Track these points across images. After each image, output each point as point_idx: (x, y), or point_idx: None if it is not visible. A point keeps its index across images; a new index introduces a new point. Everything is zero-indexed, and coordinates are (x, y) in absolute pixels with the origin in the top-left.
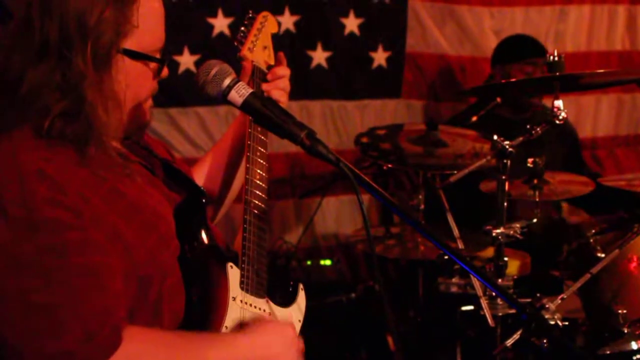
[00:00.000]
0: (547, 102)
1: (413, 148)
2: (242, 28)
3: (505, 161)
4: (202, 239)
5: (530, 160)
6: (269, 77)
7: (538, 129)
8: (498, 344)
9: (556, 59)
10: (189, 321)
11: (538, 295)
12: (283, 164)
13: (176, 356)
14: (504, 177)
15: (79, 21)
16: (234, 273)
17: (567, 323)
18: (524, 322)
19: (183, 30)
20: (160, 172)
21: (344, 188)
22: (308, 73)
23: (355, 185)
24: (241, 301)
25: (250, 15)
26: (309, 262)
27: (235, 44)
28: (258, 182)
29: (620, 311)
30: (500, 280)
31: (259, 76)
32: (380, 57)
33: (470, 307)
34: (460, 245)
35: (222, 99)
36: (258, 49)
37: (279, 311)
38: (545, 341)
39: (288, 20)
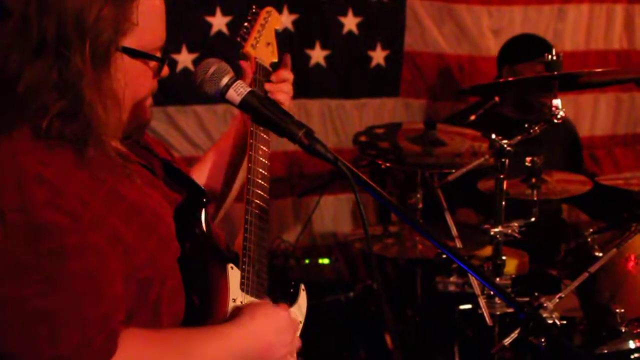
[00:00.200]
0: (545, 101)
1: (411, 147)
2: (245, 24)
3: (503, 160)
4: (202, 239)
5: (528, 159)
6: (273, 78)
7: (536, 128)
8: (496, 342)
9: (554, 58)
10: (189, 323)
11: (536, 294)
12: (281, 162)
13: (172, 356)
14: (502, 176)
15: (76, 19)
16: (234, 274)
17: (565, 322)
18: (522, 321)
19: (181, 28)
20: (161, 172)
21: (342, 187)
22: (306, 72)
23: (353, 184)
24: (241, 303)
25: (254, 10)
26: (307, 261)
27: (238, 39)
28: (260, 181)
29: (617, 310)
30: (498, 279)
31: (261, 73)
32: (378, 56)
33: (468, 306)
34: (459, 244)
35: (220, 97)
36: (261, 46)
37: None
38: (543, 340)
39: (287, 19)
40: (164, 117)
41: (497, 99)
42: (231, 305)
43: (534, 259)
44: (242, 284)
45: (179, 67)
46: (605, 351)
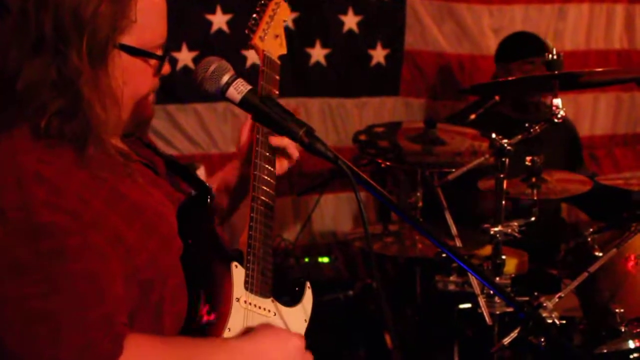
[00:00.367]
0: (546, 101)
1: (411, 146)
2: (254, 15)
3: (503, 159)
4: (206, 237)
5: (528, 158)
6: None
7: (537, 127)
8: (495, 342)
9: (555, 57)
10: (192, 323)
11: (536, 293)
12: None
13: None
14: (502, 176)
15: (74, 15)
16: (238, 273)
17: (564, 322)
18: (522, 320)
19: (181, 26)
20: (164, 170)
21: (342, 185)
22: (306, 70)
23: (353, 183)
24: (245, 302)
25: (263, 1)
26: (306, 260)
27: (246, 32)
28: (266, 177)
29: (617, 310)
30: (497, 278)
31: (269, 67)
32: (379, 54)
33: (468, 305)
34: (458, 243)
35: (221, 95)
36: (269, 38)
37: (285, 311)
38: (542, 340)
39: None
40: (164, 115)
41: (497, 98)
42: (235, 304)
43: (534, 258)
44: (246, 282)
45: (179, 65)
46: (605, 351)
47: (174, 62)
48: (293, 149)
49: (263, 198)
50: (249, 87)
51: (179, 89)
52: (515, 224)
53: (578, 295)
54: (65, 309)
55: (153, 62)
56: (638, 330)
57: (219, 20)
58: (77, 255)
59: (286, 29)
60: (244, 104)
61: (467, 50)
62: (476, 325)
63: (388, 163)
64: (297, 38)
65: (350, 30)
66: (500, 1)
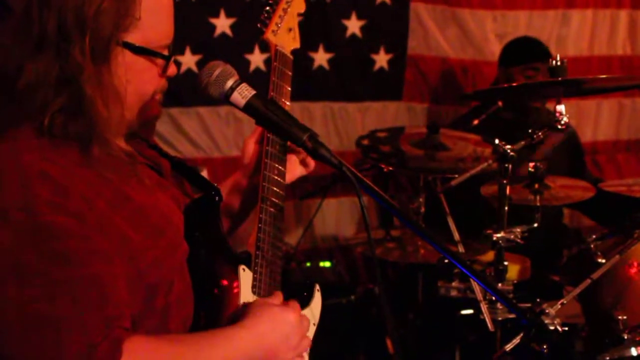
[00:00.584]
0: (549, 106)
1: (414, 151)
2: (267, 8)
3: (506, 165)
4: (213, 239)
5: (531, 164)
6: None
7: (540, 133)
8: (497, 348)
9: (559, 63)
10: (198, 327)
11: (538, 300)
12: None
13: None
14: (505, 181)
15: (77, 12)
16: (246, 276)
17: (567, 328)
18: (524, 327)
19: (185, 30)
20: (169, 172)
21: (344, 190)
22: (309, 74)
23: (357, 189)
24: None
25: None
26: (308, 264)
27: (259, 25)
28: (276, 177)
29: (620, 317)
30: (500, 284)
31: (281, 62)
32: (381, 59)
33: (470, 311)
34: (461, 249)
35: (225, 100)
36: (282, 32)
37: None
38: (545, 346)
39: None
40: (166, 118)
41: (500, 103)
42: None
43: (536, 264)
44: (254, 286)
45: (183, 68)
46: (608, 358)
47: (177, 65)
48: (311, 159)
49: (273, 199)
50: (253, 91)
51: (182, 92)
52: (518, 230)
53: (580, 302)
54: (67, 313)
55: (159, 61)
56: None
57: (223, 23)
58: (81, 259)
59: None
60: (248, 108)
61: (470, 56)
62: (478, 332)
63: (390, 168)
64: (301, 42)
65: (353, 35)
66: (504, 6)
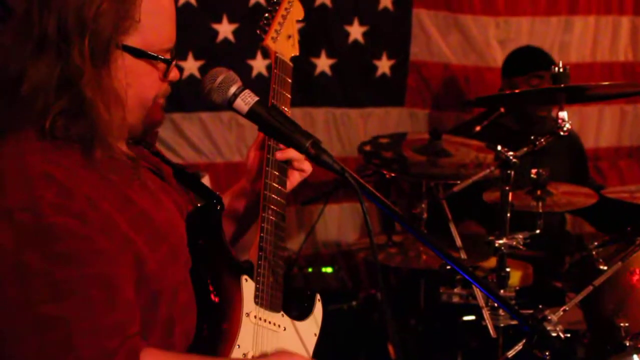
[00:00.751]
0: (554, 115)
1: (416, 157)
2: (266, 14)
3: (509, 172)
4: (216, 249)
5: (534, 171)
6: (296, 165)
7: (542, 140)
8: (499, 355)
9: (561, 70)
10: (201, 339)
11: (540, 306)
12: None
13: None
14: (507, 188)
15: (77, 15)
16: (248, 287)
17: (569, 335)
18: (526, 333)
19: (187, 35)
20: (172, 179)
21: (346, 195)
22: (312, 80)
23: (359, 195)
24: (255, 317)
25: (275, 0)
26: (310, 270)
27: (258, 32)
28: (277, 185)
29: (622, 324)
30: (502, 291)
31: (281, 69)
32: (384, 65)
33: (472, 318)
34: (463, 255)
35: (228, 106)
36: (282, 38)
37: (295, 325)
38: (547, 353)
39: None
40: (169, 124)
41: (502, 110)
42: (244, 319)
43: (538, 271)
44: (256, 296)
45: (185, 74)
46: None
47: (179, 70)
48: (307, 162)
49: (274, 207)
50: (256, 98)
51: (184, 97)
52: (520, 236)
53: (582, 309)
54: (76, 315)
55: (160, 65)
56: None
57: (225, 29)
58: (87, 260)
59: None
60: (251, 115)
61: (473, 62)
62: (480, 338)
63: (393, 174)
64: (303, 48)
65: (355, 41)
66: (507, 13)
